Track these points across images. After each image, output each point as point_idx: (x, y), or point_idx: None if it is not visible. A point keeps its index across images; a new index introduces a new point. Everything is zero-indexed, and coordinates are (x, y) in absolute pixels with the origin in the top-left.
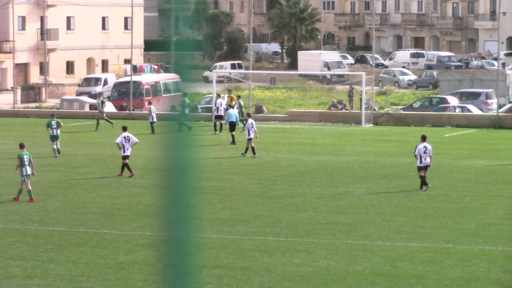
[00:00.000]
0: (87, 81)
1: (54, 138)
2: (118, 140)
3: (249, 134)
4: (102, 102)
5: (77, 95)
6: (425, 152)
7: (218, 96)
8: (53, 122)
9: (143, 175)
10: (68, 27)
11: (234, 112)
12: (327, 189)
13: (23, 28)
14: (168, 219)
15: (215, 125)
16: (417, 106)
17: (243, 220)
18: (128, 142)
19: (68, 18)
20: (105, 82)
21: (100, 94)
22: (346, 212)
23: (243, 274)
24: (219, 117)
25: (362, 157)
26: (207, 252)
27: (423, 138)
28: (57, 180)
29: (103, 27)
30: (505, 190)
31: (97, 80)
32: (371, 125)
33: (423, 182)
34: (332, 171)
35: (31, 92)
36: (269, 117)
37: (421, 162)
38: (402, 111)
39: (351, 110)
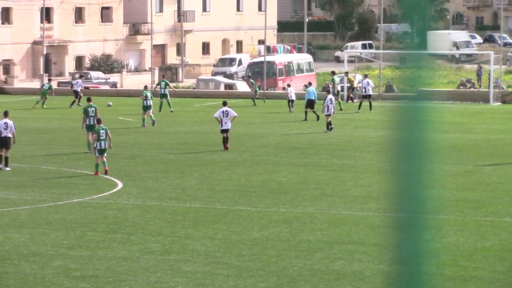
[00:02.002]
0: (222, 62)
1: (147, 108)
2: (217, 114)
3: (328, 110)
4: (166, 84)
5: (212, 75)
6: None
7: (366, 76)
8: (148, 94)
9: (277, 153)
10: (204, 9)
11: (313, 90)
12: (456, 166)
13: (161, 10)
14: (401, 201)
15: (360, 104)
16: None
17: (374, 197)
18: (226, 116)
19: (204, 0)
20: (240, 63)
21: (164, 76)
22: (474, 189)
23: (374, 250)
24: (367, 97)
25: (490, 135)
26: (339, 228)
27: None
28: (193, 158)
29: (238, 9)
30: None
31: (231, 61)
32: (499, 103)
33: None
34: (461, 149)
35: (168, 72)
36: (399, 95)
37: None
38: None
39: (480, 89)
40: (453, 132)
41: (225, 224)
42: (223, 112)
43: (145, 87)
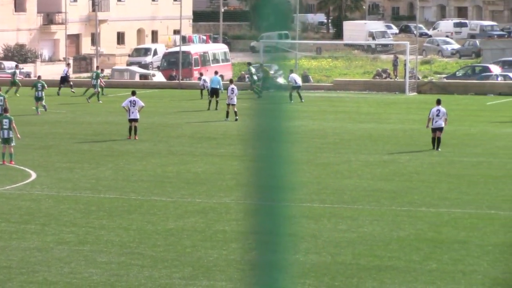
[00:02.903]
0: (137, 52)
1: (38, 99)
2: (124, 103)
3: (229, 100)
4: (97, 75)
5: (127, 65)
6: (437, 115)
7: (291, 71)
8: (39, 84)
9: (192, 143)
10: None
11: (217, 78)
12: (372, 156)
13: (75, 0)
14: (259, 187)
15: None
16: (460, 74)
17: (288, 187)
18: (134, 106)
19: None
20: (155, 53)
21: (97, 67)
22: (390, 179)
23: (289, 240)
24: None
25: (406, 125)
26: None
27: (438, 102)
28: (108, 148)
29: None
30: None
31: (147, 51)
32: (415, 93)
33: (435, 143)
34: (377, 139)
35: (82, 62)
36: (315, 86)
37: (432, 124)
38: (445, 80)
39: (396, 79)
40: (369, 122)
41: (140, 214)
42: (130, 101)
43: (39, 77)
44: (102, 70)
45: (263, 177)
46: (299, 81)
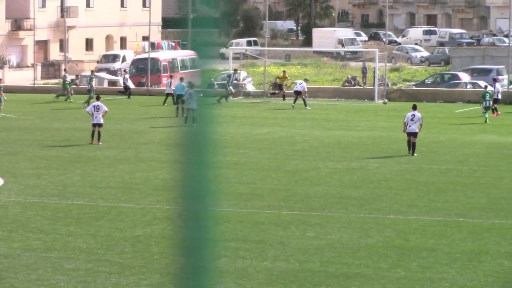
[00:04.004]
0: (106, 58)
1: None
2: (88, 108)
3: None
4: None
5: (96, 71)
6: (412, 120)
7: (306, 80)
8: None
9: (160, 149)
10: (88, 5)
11: (182, 85)
12: (341, 163)
13: (43, 6)
14: (186, 193)
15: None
16: (429, 82)
17: (258, 194)
18: (98, 111)
19: None
20: (124, 59)
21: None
22: (359, 186)
23: (258, 247)
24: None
25: (375, 133)
26: (223, 225)
27: (414, 107)
28: (76, 154)
29: (122, 5)
30: None
31: (115, 57)
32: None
33: (411, 148)
34: (345, 146)
35: (51, 68)
36: (284, 93)
37: (407, 128)
38: (414, 87)
39: (365, 86)
40: (338, 130)
41: (107, 221)
42: (94, 106)
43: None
44: (93, 72)
45: (189, 183)
46: (299, 87)
